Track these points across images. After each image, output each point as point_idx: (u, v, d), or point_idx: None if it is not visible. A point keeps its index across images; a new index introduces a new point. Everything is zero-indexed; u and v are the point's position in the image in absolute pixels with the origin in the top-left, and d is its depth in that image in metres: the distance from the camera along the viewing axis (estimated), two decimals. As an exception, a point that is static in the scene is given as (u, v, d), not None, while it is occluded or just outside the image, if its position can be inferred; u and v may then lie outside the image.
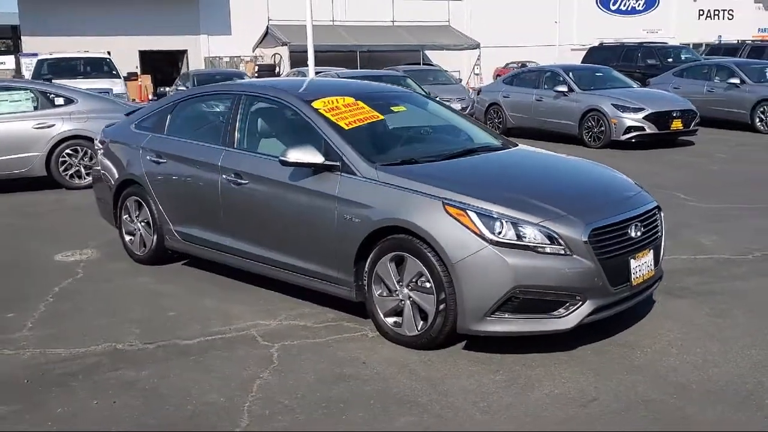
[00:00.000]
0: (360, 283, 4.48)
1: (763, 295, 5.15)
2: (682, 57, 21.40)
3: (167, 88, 26.02)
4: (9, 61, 33.31)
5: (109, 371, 4.07)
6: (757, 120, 15.06)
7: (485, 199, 4.06)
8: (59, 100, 9.94)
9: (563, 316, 3.98)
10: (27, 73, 21.77)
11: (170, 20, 34.17)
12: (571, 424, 3.41)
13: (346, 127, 4.78)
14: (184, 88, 17.48)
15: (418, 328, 4.21)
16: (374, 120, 5.03)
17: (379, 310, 4.39)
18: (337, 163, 4.56)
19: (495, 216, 3.97)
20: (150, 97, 29.73)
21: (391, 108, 5.35)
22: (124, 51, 30.92)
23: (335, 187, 4.52)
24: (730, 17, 46.42)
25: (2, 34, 45.74)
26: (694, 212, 7.76)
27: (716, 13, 46.43)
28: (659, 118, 12.94)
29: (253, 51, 36.02)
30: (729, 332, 4.46)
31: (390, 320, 4.36)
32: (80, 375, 4.02)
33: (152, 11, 33.63)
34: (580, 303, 3.98)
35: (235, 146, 5.25)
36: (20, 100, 9.80)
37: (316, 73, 15.31)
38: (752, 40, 31.12)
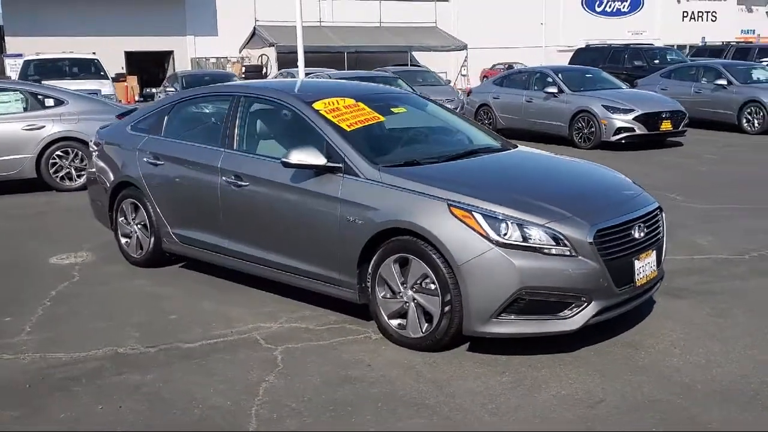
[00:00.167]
0: (363, 285, 4.47)
1: (761, 294, 5.19)
2: (668, 58, 21.57)
3: (155, 89, 25.88)
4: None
5: (112, 375, 4.03)
6: (744, 121, 15.21)
7: (490, 200, 4.06)
8: (49, 102, 9.84)
9: (569, 318, 3.99)
10: (13, 74, 21.56)
11: (156, 21, 34.02)
12: (580, 425, 3.42)
13: (348, 129, 4.77)
14: (172, 90, 17.39)
15: (423, 330, 4.20)
16: (375, 121, 5.02)
17: (382, 312, 4.38)
18: (340, 165, 4.55)
19: (500, 217, 3.97)
20: (136, 98, 29.57)
21: (392, 109, 5.34)
22: (110, 52, 30.70)
23: (338, 188, 4.51)
24: (714, 19, 46.91)
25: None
26: (688, 213, 7.82)
27: (700, 14, 46.90)
28: (649, 119, 13.03)
29: (240, 52, 35.94)
30: (730, 332, 4.49)
31: (394, 322, 4.35)
32: (83, 379, 3.98)
33: (138, 12, 33.46)
34: (586, 304, 3.99)
35: (235, 148, 5.21)
36: (9, 102, 9.69)
37: (307, 74, 15.26)
38: (737, 42, 31.45)
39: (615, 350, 4.24)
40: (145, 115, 6.24)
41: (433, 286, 4.10)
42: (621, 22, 43.99)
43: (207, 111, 5.98)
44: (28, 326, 4.81)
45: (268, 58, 33.72)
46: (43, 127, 9.61)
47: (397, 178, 4.36)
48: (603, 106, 13.18)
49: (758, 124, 14.94)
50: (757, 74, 16.25)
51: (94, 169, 6.52)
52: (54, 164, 9.70)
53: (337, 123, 4.79)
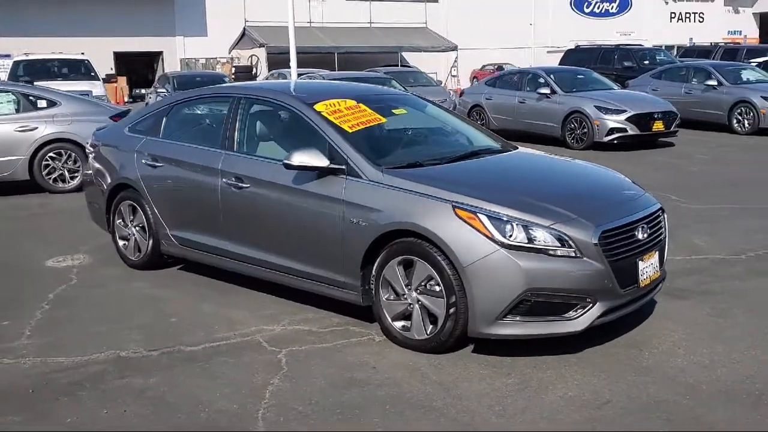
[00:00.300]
0: (367, 287, 4.45)
1: (760, 294, 5.22)
2: (658, 59, 21.70)
3: (145, 90, 25.74)
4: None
5: (115, 379, 4.00)
6: (734, 121, 15.31)
7: (495, 202, 4.06)
8: (42, 103, 9.76)
9: (574, 319, 4.00)
10: (2, 74, 21.36)
11: (145, 21, 33.84)
12: (588, 426, 3.42)
13: (350, 130, 4.75)
14: (163, 91, 17.31)
15: (428, 332, 4.19)
16: (376, 123, 5.01)
17: (386, 314, 4.37)
18: (342, 167, 4.53)
19: (505, 219, 3.98)
20: (125, 99, 29.41)
21: (392, 110, 5.33)
22: (99, 52, 30.52)
23: (341, 190, 4.49)
24: (701, 20, 47.23)
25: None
26: (684, 213, 7.85)
27: (687, 15, 47.21)
28: (641, 120, 13.10)
29: (230, 52, 35.82)
30: (732, 333, 4.51)
31: (398, 324, 4.34)
32: (86, 383, 3.94)
33: (127, 12, 33.27)
34: (591, 305, 4.00)
35: (235, 149, 5.19)
36: (1, 103, 9.62)
37: (299, 75, 15.22)
38: (725, 43, 31.70)
39: (619, 351, 4.25)
40: (142, 116, 6.20)
41: (437, 288, 4.10)
42: (609, 23, 44.20)
43: (206, 112, 5.95)
44: (28, 330, 4.77)
45: (258, 58, 33.64)
46: (36, 128, 9.54)
47: (400, 179, 4.35)
48: (595, 107, 13.24)
49: (748, 124, 15.05)
50: (746, 75, 16.37)
51: (90, 171, 6.47)
52: (47, 166, 9.63)
53: (338, 124, 4.78)
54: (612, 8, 44.94)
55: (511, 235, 3.94)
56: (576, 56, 22.82)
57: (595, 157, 12.14)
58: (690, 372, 3.96)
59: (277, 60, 31.05)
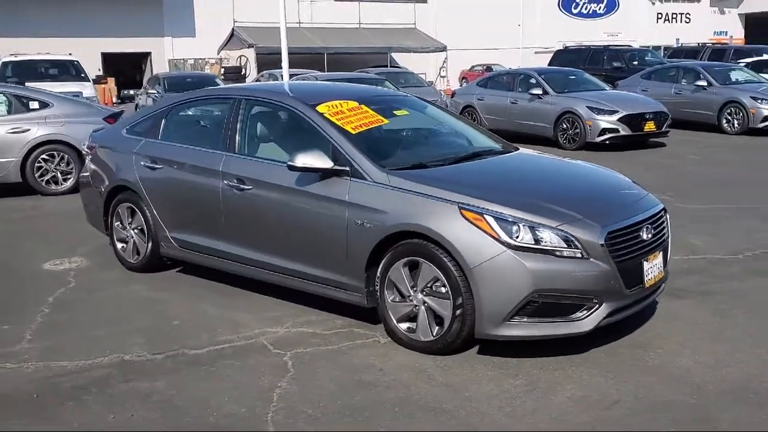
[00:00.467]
0: (371, 289, 4.44)
1: (760, 294, 5.25)
2: (647, 60, 21.83)
3: (134, 91, 25.59)
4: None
5: (120, 383, 3.97)
6: (724, 121, 15.42)
7: (501, 203, 4.06)
8: (34, 104, 9.68)
9: (581, 319, 4.01)
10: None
11: (133, 22, 33.64)
12: (598, 426, 3.43)
13: (353, 132, 4.75)
14: (154, 92, 17.23)
15: (434, 334, 4.19)
16: (379, 124, 5.00)
17: (392, 316, 4.36)
18: (346, 168, 4.52)
19: (512, 220, 3.98)
20: (114, 100, 29.24)
21: (394, 112, 5.33)
22: (86, 53, 30.30)
23: (345, 192, 4.48)
24: (687, 21, 47.57)
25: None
26: (680, 213, 7.88)
27: (674, 16, 47.54)
28: (633, 120, 13.17)
29: (219, 53, 35.69)
30: (734, 332, 4.54)
31: (403, 326, 4.34)
32: (92, 388, 3.91)
33: (115, 12, 33.07)
34: (597, 306, 4.01)
35: (236, 151, 5.16)
36: (-7, 104, 9.53)
37: (291, 76, 15.18)
38: (712, 43, 31.93)
39: (624, 351, 4.26)
40: (140, 118, 6.17)
41: (444, 290, 4.09)
42: (597, 24, 44.42)
43: (206, 114, 5.92)
44: (28, 334, 4.72)
45: (247, 59, 33.54)
46: (28, 130, 9.46)
47: (405, 181, 4.35)
48: (588, 107, 13.29)
49: (738, 124, 15.16)
50: (735, 75, 16.49)
51: (87, 173, 6.42)
52: (39, 168, 9.54)
53: (341, 126, 4.77)
54: (600, 9, 45.17)
55: (517, 237, 3.95)
56: (565, 57, 22.92)
57: (588, 157, 12.16)
58: (696, 372, 3.98)
59: (267, 61, 30.98)
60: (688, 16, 47.58)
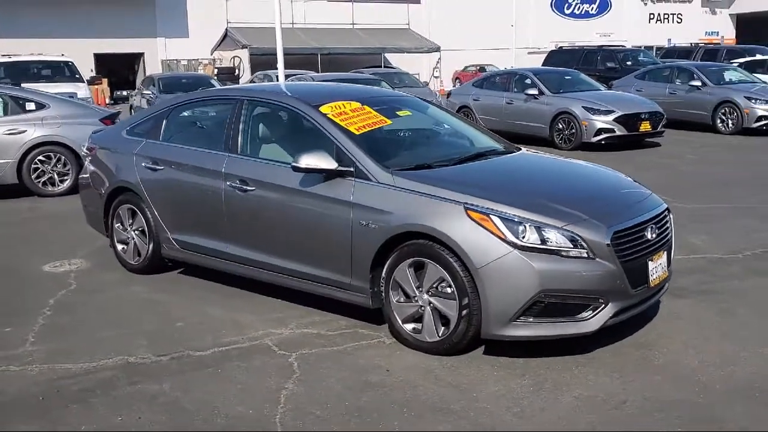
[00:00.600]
0: (376, 290, 4.44)
1: (761, 293, 5.27)
2: (640, 60, 21.90)
3: (129, 92, 25.49)
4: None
5: (126, 385, 3.95)
6: (718, 121, 15.48)
7: (507, 203, 4.06)
8: (30, 105, 9.64)
9: (587, 319, 4.01)
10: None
11: (126, 22, 33.53)
12: (607, 426, 3.44)
13: (357, 132, 4.74)
14: (148, 92, 17.18)
15: (439, 334, 4.19)
16: (382, 124, 5.00)
17: (397, 317, 4.36)
18: (351, 169, 4.52)
19: (518, 220, 3.98)
20: (107, 101, 29.13)
21: (396, 112, 5.32)
22: (79, 54, 30.17)
23: (349, 192, 4.48)
24: (679, 21, 47.78)
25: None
26: (678, 212, 7.87)
27: (666, 16, 47.74)
28: (628, 120, 13.20)
29: (212, 54, 35.61)
30: (738, 331, 4.55)
31: (409, 326, 4.33)
32: (97, 390, 3.89)
33: (107, 13, 32.95)
34: (603, 306, 4.02)
35: (239, 152, 5.15)
36: (-11, 106, 9.48)
37: (287, 76, 15.17)
38: (705, 43, 32.07)
39: (629, 351, 4.27)
40: (141, 119, 6.14)
41: (449, 290, 4.09)
42: (589, 24, 44.56)
43: (207, 115, 5.90)
44: (31, 336, 4.70)
45: (240, 60, 33.49)
46: (25, 131, 9.41)
47: (410, 181, 4.35)
48: (583, 107, 13.32)
49: (732, 124, 15.23)
50: (729, 75, 16.56)
51: (87, 175, 6.39)
52: (36, 169, 9.49)
53: (345, 127, 4.76)
54: (592, 9, 45.32)
55: (524, 237, 3.95)
56: (559, 57, 22.98)
57: (584, 157, 12.09)
58: (702, 371, 3.99)
59: (260, 61, 30.97)
60: (679, 16, 47.80)
